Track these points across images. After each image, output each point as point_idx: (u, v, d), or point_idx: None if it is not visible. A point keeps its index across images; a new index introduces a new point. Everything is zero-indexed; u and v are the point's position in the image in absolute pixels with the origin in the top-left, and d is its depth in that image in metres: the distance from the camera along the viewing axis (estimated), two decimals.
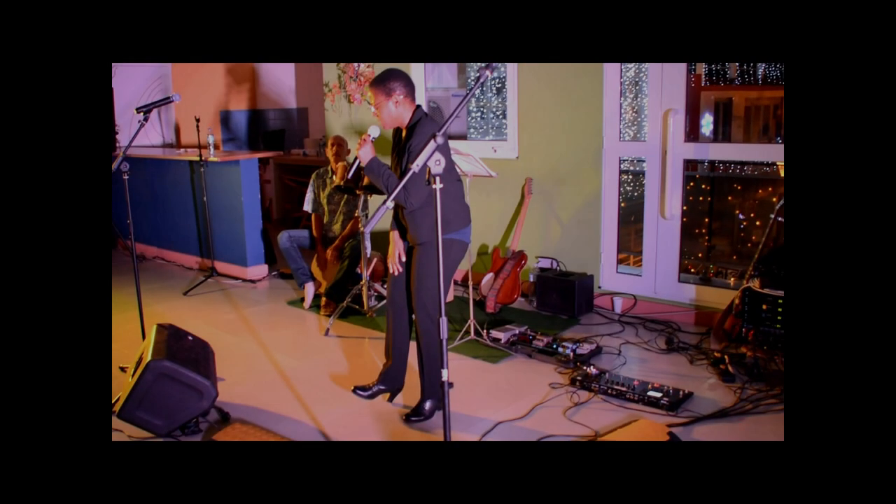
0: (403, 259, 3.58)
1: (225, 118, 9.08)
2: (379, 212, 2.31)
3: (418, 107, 3.41)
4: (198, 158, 6.27)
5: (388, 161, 3.61)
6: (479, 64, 7.15)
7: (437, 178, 2.26)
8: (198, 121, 6.38)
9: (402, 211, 3.47)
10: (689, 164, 5.44)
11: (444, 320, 2.30)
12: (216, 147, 6.42)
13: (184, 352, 3.51)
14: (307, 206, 5.69)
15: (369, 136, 3.41)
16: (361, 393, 3.77)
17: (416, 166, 2.22)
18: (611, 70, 4.99)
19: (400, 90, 3.32)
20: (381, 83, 3.33)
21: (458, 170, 4.58)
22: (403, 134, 3.43)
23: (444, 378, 2.33)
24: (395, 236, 3.62)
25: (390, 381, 3.74)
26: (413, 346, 3.64)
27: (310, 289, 5.56)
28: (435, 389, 3.54)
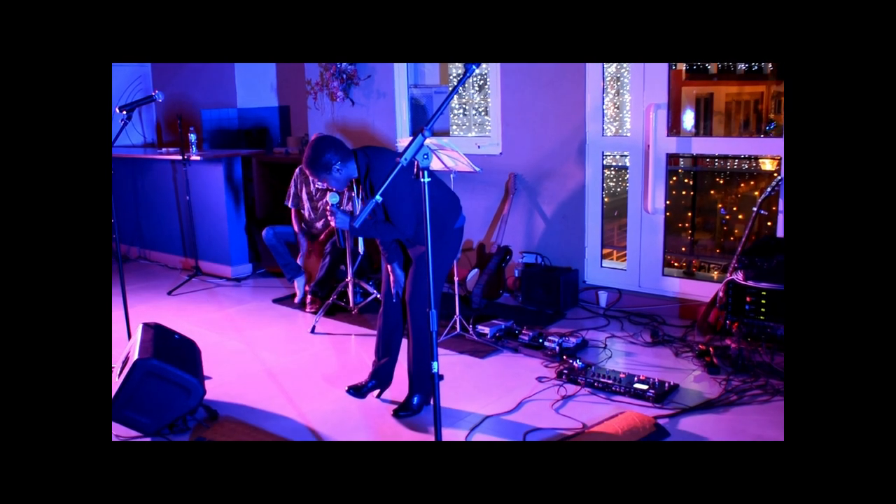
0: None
1: (206, 117, 9.02)
2: (367, 207, 2.31)
3: (354, 153, 3.36)
4: (180, 157, 6.23)
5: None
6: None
7: (424, 172, 2.26)
8: (180, 119, 6.34)
9: (405, 240, 3.51)
10: (672, 159, 5.49)
11: (434, 313, 2.31)
12: (198, 146, 6.37)
13: (171, 350, 3.50)
14: (289, 202, 5.65)
15: (331, 205, 3.38)
16: (355, 394, 3.76)
17: (404, 160, 2.21)
18: (593, 66, 5.02)
19: (334, 158, 3.27)
20: (316, 163, 3.26)
21: (441, 164, 4.61)
22: (356, 182, 3.42)
23: (435, 370, 2.34)
24: (394, 268, 3.61)
25: (382, 377, 3.75)
26: (403, 342, 3.66)
27: (300, 282, 5.54)
28: (423, 384, 3.56)
